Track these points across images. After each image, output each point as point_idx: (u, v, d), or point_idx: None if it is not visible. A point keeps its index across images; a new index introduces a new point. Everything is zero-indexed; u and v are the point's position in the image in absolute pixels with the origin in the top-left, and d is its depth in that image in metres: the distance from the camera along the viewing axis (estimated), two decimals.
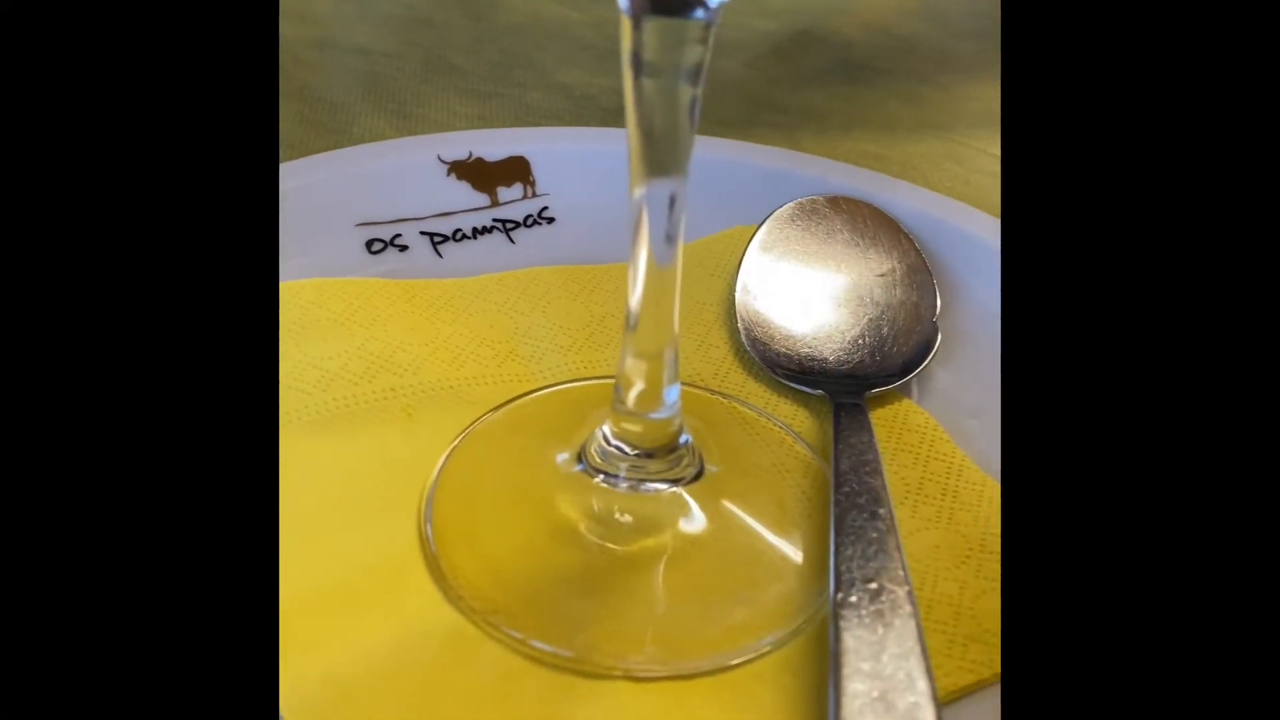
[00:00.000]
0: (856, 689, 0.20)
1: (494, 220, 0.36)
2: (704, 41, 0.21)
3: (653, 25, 0.21)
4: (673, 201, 0.24)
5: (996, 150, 0.45)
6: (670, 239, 0.24)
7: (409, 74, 0.48)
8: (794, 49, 0.53)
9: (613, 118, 0.45)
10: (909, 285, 0.33)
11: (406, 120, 0.44)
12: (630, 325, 0.25)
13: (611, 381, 0.26)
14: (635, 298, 0.25)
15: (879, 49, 0.54)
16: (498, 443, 0.27)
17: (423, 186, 0.36)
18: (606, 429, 0.26)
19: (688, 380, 0.30)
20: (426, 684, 0.21)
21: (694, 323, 0.33)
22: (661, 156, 0.23)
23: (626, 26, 0.21)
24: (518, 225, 0.36)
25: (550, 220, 0.37)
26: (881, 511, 0.24)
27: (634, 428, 0.25)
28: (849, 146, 0.45)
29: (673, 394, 0.25)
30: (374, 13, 0.55)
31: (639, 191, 0.23)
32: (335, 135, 0.42)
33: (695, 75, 0.22)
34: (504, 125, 0.44)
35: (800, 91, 0.49)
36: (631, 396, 0.25)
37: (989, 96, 0.50)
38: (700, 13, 0.20)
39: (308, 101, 0.45)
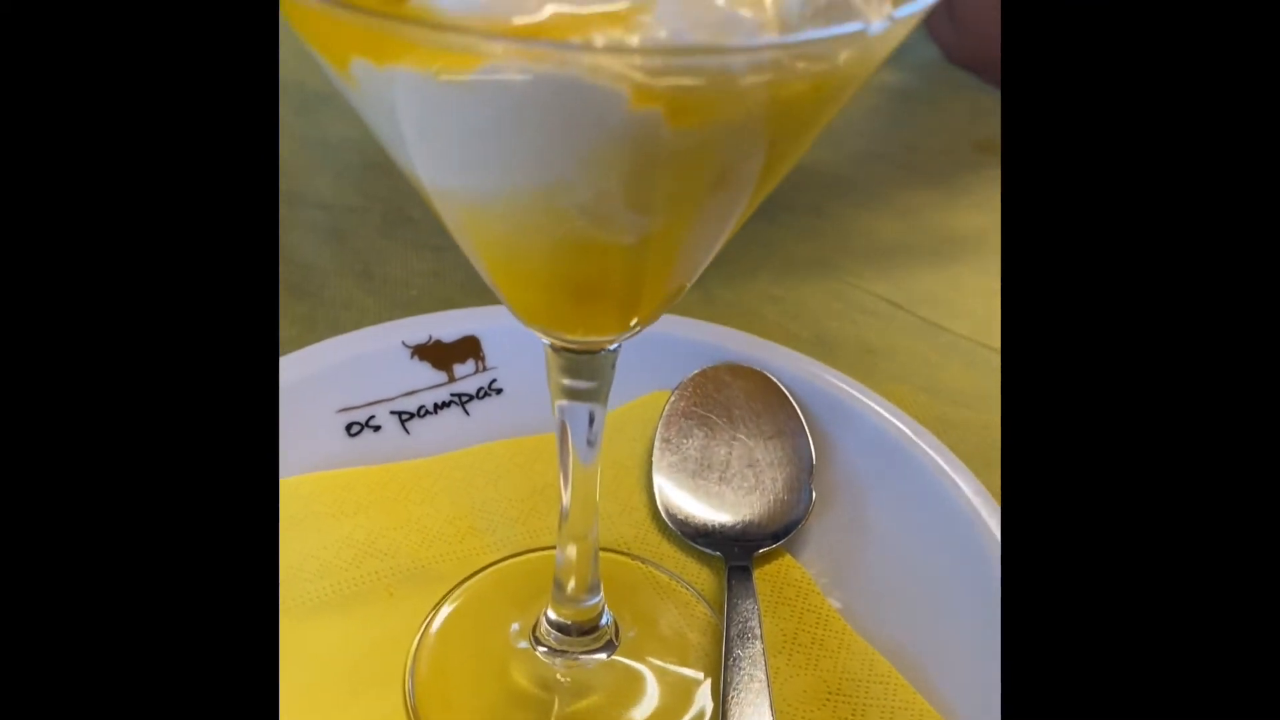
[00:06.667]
0: None
1: (451, 394, 0.43)
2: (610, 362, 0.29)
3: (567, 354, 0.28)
4: (592, 419, 0.30)
5: (876, 289, 0.53)
6: (591, 444, 0.31)
7: (371, 229, 0.55)
8: None
9: None
10: (789, 450, 0.41)
11: (371, 280, 0.51)
12: (563, 517, 0.32)
13: (550, 552, 0.34)
14: (566, 496, 0.32)
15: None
16: (462, 618, 0.35)
17: (391, 370, 0.43)
18: (549, 612, 0.34)
19: (612, 545, 0.38)
20: None
21: (619, 488, 0.40)
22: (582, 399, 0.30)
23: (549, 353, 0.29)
24: (471, 398, 0.43)
25: (499, 391, 0.44)
26: (758, 674, 0.32)
27: (567, 612, 0.33)
28: (755, 289, 0.52)
29: (595, 586, 0.33)
30: (335, 162, 0.61)
31: (560, 404, 0.30)
32: (310, 299, 0.49)
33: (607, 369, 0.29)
34: (457, 279, 0.51)
35: None
36: (567, 589, 0.33)
37: (874, 229, 0.58)
38: (604, 353, 0.28)
39: (283, 263, 0.51)
